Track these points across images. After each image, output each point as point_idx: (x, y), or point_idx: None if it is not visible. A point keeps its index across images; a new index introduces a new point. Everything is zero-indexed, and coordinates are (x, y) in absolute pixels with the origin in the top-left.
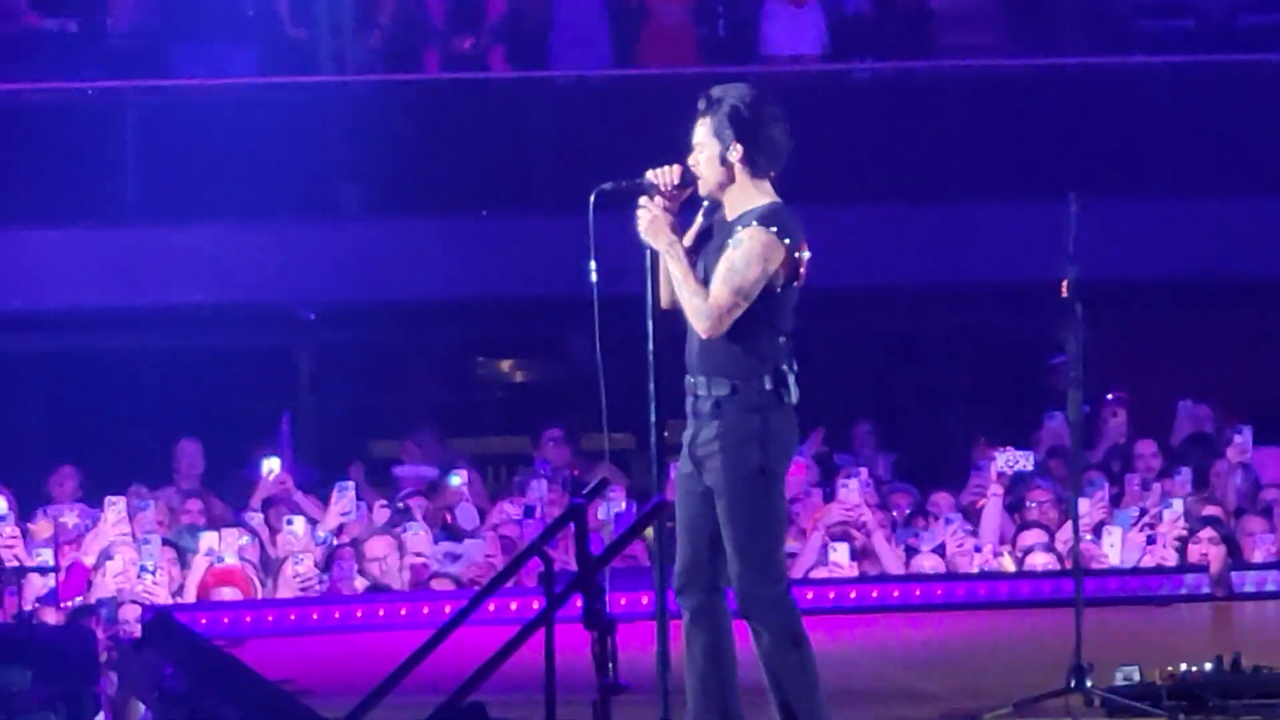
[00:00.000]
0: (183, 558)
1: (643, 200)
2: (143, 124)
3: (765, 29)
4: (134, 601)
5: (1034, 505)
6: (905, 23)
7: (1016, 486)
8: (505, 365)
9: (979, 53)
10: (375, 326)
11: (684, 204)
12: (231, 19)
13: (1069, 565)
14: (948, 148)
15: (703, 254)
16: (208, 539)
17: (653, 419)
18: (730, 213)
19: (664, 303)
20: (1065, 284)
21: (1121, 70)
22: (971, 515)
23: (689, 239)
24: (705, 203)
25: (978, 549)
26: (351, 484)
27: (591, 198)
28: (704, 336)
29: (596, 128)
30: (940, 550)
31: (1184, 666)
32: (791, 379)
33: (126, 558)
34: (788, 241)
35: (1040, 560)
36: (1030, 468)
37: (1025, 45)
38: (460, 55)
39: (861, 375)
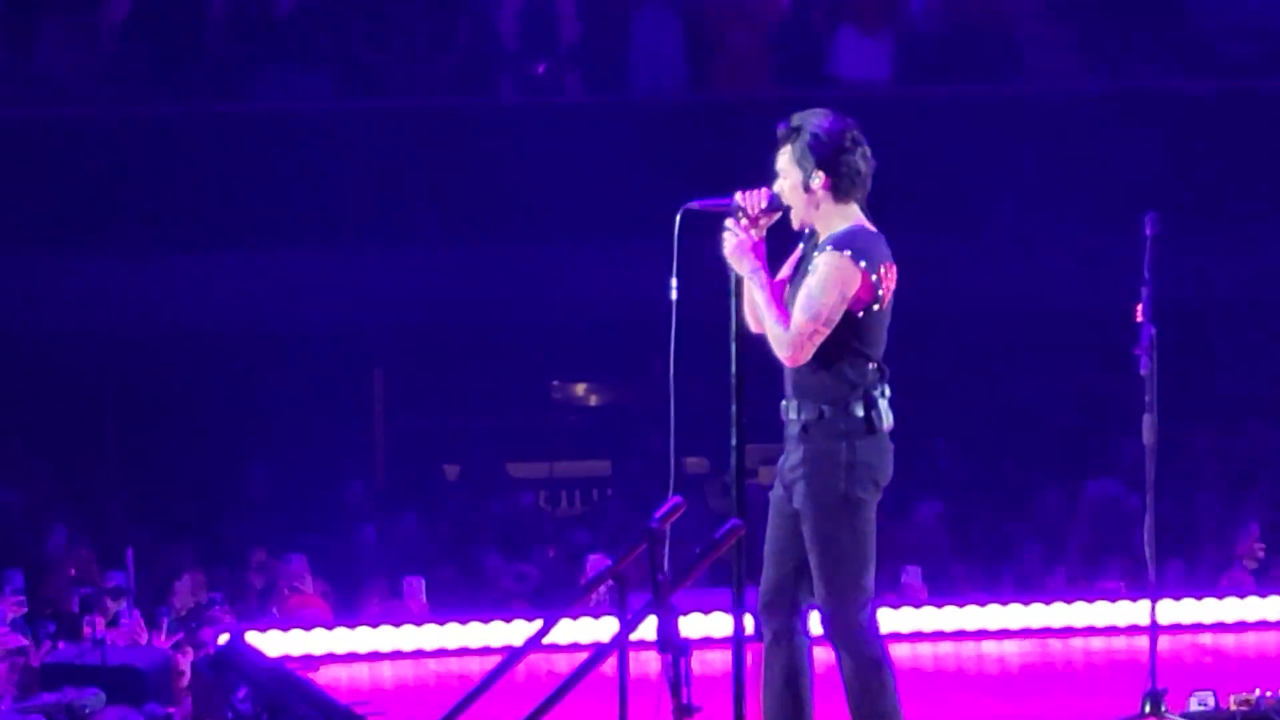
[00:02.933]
0: None
1: (728, 223)
2: (221, 147)
3: (837, 52)
4: (211, 623)
5: None
6: (985, 44)
7: None
8: (580, 389)
9: (1054, 77)
10: (450, 349)
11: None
12: (306, 44)
13: None
14: (1008, 169)
15: (794, 281)
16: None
17: (734, 442)
18: (819, 238)
19: (752, 327)
20: (1140, 306)
21: (1194, 94)
22: None
23: (787, 268)
24: (806, 230)
25: None
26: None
27: (677, 216)
28: (787, 365)
29: (671, 150)
30: None
31: (1258, 692)
32: (884, 404)
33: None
34: (864, 264)
35: None
36: None
37: (1100, 70)
38: (533, 78)
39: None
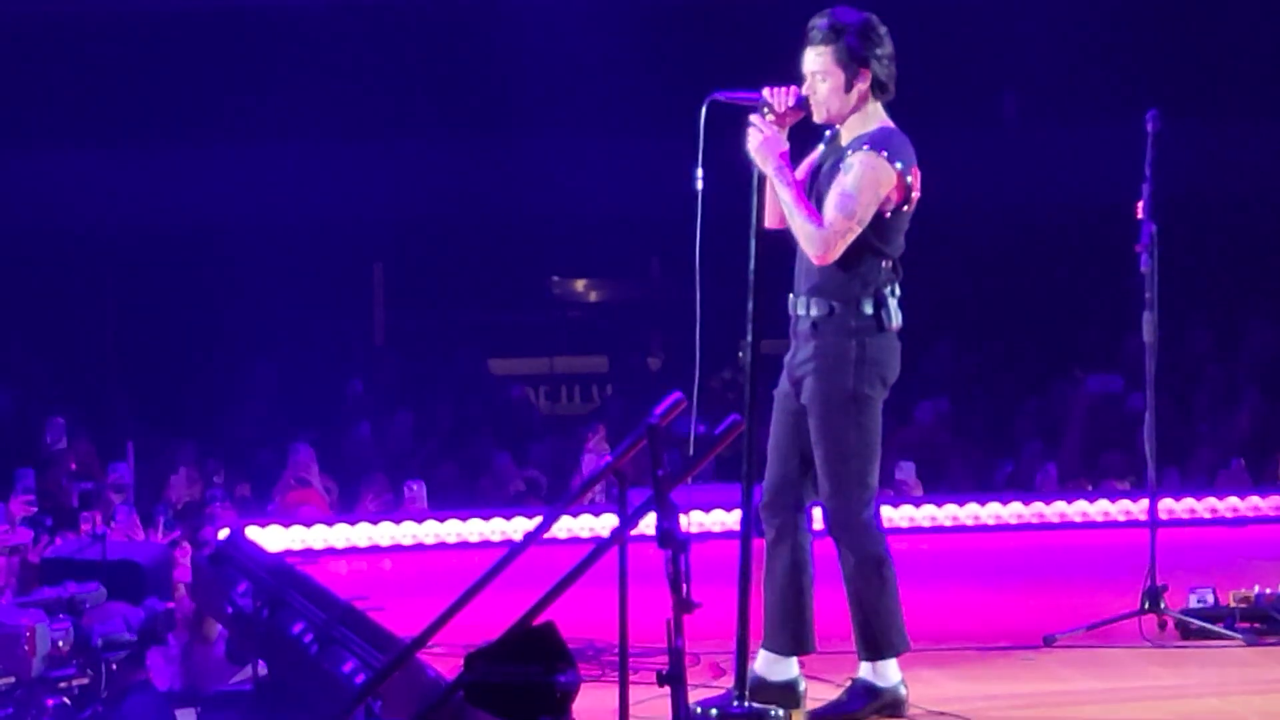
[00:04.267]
0: None
1: (753, 118)
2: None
3: None
4: (211, 520)
5: None
6: None
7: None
8: (580, 285)
9: None
10: (450, 244)
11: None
12: None
13: None
14: (1010, 67)
15: (817, 179)
16: None
17: (748, 338)
18: (845, 138)
19: (768, 223)
20: (1140, 204)
21: None
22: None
23: (802, 169)
24: (827, 131)
25: None
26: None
27: (703, 108)
28: (816, 263)
29: (673, 47)
30: None
31: (1257, 588)
32: (894, 303)
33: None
34: (899, 165)
35: None
36: None
37: None
38: None
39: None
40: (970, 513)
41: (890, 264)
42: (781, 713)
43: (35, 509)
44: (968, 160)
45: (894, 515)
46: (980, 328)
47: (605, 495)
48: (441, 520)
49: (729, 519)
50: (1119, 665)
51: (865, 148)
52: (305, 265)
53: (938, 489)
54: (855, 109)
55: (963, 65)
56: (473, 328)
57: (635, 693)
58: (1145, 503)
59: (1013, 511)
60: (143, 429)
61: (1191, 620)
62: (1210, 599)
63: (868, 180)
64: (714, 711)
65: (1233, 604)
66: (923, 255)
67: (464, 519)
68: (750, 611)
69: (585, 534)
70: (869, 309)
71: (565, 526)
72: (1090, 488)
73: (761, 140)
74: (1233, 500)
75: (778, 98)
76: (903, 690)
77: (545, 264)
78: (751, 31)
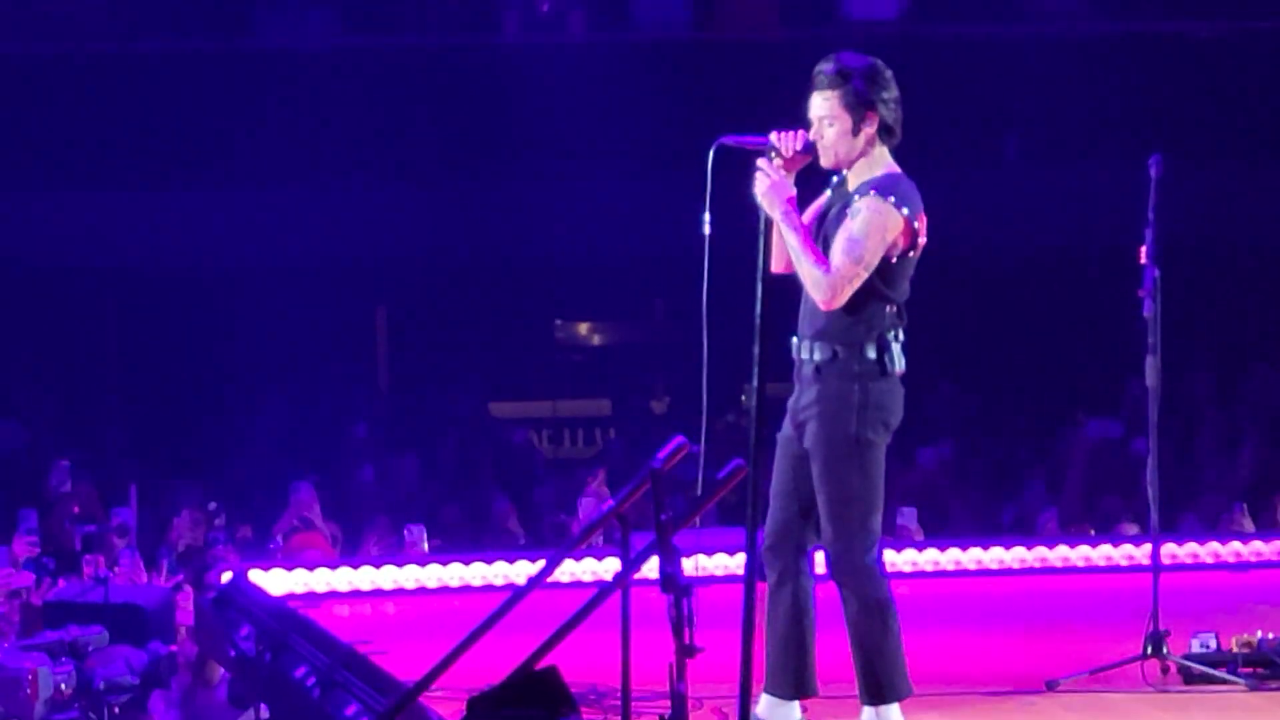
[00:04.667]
0: None
1: (761, 163)
2: (226, 84)
3: None
4: (214, 563)
5: None
6: None
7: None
8: (583, 328)
9: (1058, 18)
10: (453, 288)
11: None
12: None
13: None
14: (1014, 111)
15: (824, 224)
16: None
17: (755, 383)
18: (853, 183)
19: (775, 267)
20: (1144, 249)
21: (1200, 36)
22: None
23: (809, 213)
24: (834, 176)
25: None
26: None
27: (711, 151)
28: (822, 307)
29: (673, 91)
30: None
31: (1260, 633)
32: (897, 348)
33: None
34: (906, 211)
35: None
36: None
37: (1105, 11)
38: (537, 16)
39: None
40: (973, 557)
41: (895, 309)
42: None
43: (38, 550)
44: (970, 203)
45: (896, 559)
46: (981, 371)
47: (605, 539)
48: (444, 564)
49: (732, 563)
50: (1121, 710)
51: (872, 193)
52: (309, 308)
53: (940, 533)
54: (863, 153)
55: (965, 107)
56: (476, 371)
57: None
58: (1148, 547)
59: (1015, 556)
60: (145, 471)
61: (1194, 665)
62: (1213, 644)
63: (874, 226)
64: None
65: (1235, 649)
66: (924, 298)
67: (467, 562)
68: (753, 655)
69: (588, 578)
70: (872, 354)
71: (568, 570)
72: (1093, 532)
73: (769, 185)
74: (1235, 545)
75: (785, 142)
76: None
77: (549, 307)
78: (756, 74)
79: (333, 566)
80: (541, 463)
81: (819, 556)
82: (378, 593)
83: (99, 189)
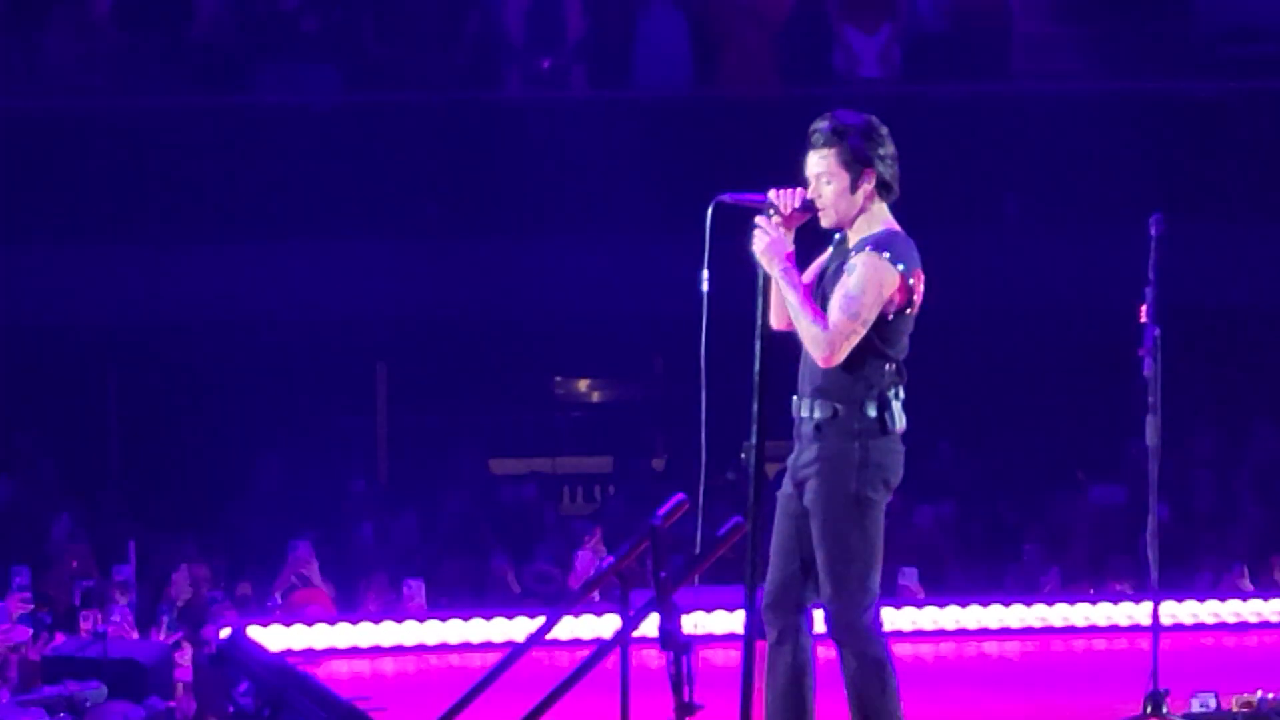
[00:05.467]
0: None
1: (759, 220)
2: (226, 140)
3: (840, 51)
4: (212, 618)
5: None
6: (983, 44)
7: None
8: (583, 385)
9: (1057, 77)
10: (453, 344)
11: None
12: (311, 37)
13: None
14: (1013, 170)
15: (823, 282)
16: None
17: (754, 440)
18: (851, 240)
19: (774, 324)
20: (1144, 308)
21: (1200, 95)
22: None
23: (810, 272)
24: (835, 235)
25: None
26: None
27: (709, 209)
28: (821, 364)
29: (675, 148)
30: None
31: (1260, 693)
32: (897, 406)
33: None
34: (901, 268)
35: None
36: None
37: (1104, 70)
38: (539, 73)
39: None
40: (973, 616)
41: (894, 367)
42: None
43: (31, 606)
44: (969, 262)
45: (896, 618)
46: (981, 430)
47: (603, 596)
48: (444, 620)
49: (731, 620)
50: None
51: (868, 249)
52: (308, 363)
53: (939, 592)
54: (862, 210)
55: (964, 166)
56: (475, 427)
57: None
58: (1148, 606)
59: (1015, 615)
60: (142, 527)
61: None
62: (1213, 704)
63: (871, 282)
64: None
65: (1235, 709)
66: (924, 356)
67: (466, 619)
68: (752, 714)
69: (587, 635)
70: (872, 411)
71: (567, 627)
72: (1093, 591)
73: (768, 242)
74: (1235, 604)
75: (783, 199)
76: None
77: (548, 364)
78: (757, 132)
79: (331, 622)
80: (550, 520)
81: (818, 614)
82: (377, 649)
83: (95, 244)
